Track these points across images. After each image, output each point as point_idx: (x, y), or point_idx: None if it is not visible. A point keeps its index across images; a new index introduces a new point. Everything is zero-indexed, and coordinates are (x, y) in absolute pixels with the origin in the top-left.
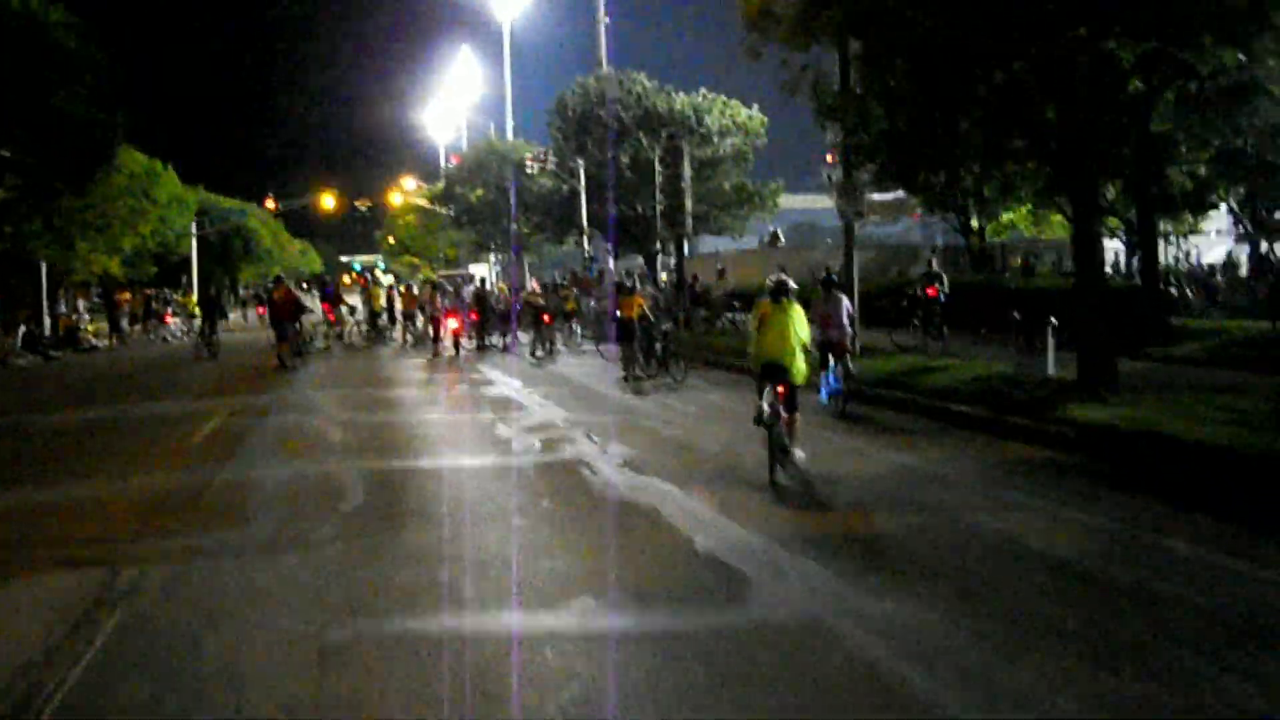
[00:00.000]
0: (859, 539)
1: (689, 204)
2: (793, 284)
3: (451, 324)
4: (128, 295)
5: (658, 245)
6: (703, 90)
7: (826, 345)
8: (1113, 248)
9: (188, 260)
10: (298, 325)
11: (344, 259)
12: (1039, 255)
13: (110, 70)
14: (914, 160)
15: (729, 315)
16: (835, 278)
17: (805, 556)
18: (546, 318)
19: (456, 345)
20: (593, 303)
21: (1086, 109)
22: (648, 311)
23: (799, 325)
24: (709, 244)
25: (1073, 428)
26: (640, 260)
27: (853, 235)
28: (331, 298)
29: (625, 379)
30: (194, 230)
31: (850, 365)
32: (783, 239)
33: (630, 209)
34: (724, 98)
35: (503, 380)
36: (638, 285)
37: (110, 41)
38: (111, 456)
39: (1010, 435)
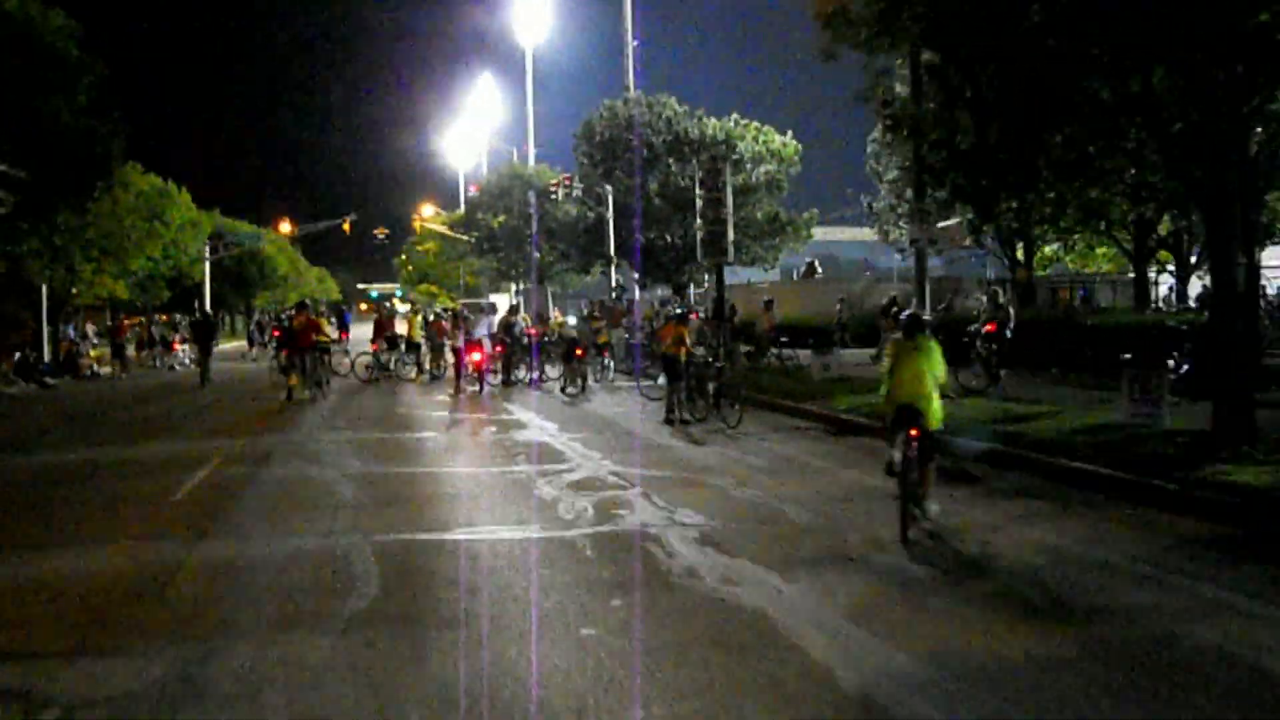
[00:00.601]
0: (1053, 664)
1: (730, 228)
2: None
3: (475, 357)
4: (131, 320)
5: (687, 275)
6: (734, 115)
7: None
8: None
9: (201, 285)
10: (320, 357)
11: (361, 286)
12: (1089, 289)
13: (112, 81)
14: (999, 180)
15: (774, 352)
16: (906, 312)
17: (998, 698)
18: (579, 351)
19: (481, 380)
20: (625, 335)
21: (1232, 121)
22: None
23: (936, 365)
24: (736, 275)
25: (1231, 493)
26: (666, 291)
27: (925, 265)
28: (348, 325)
29: (671, 422)
30: (207, 254)
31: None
32: (820, 270)
33: (660, 238)
34: (757, 124)
35: (536, 422)
36: (688, 315)
37: (127, 62)
38: (73, 518)
39: (1150, 501)
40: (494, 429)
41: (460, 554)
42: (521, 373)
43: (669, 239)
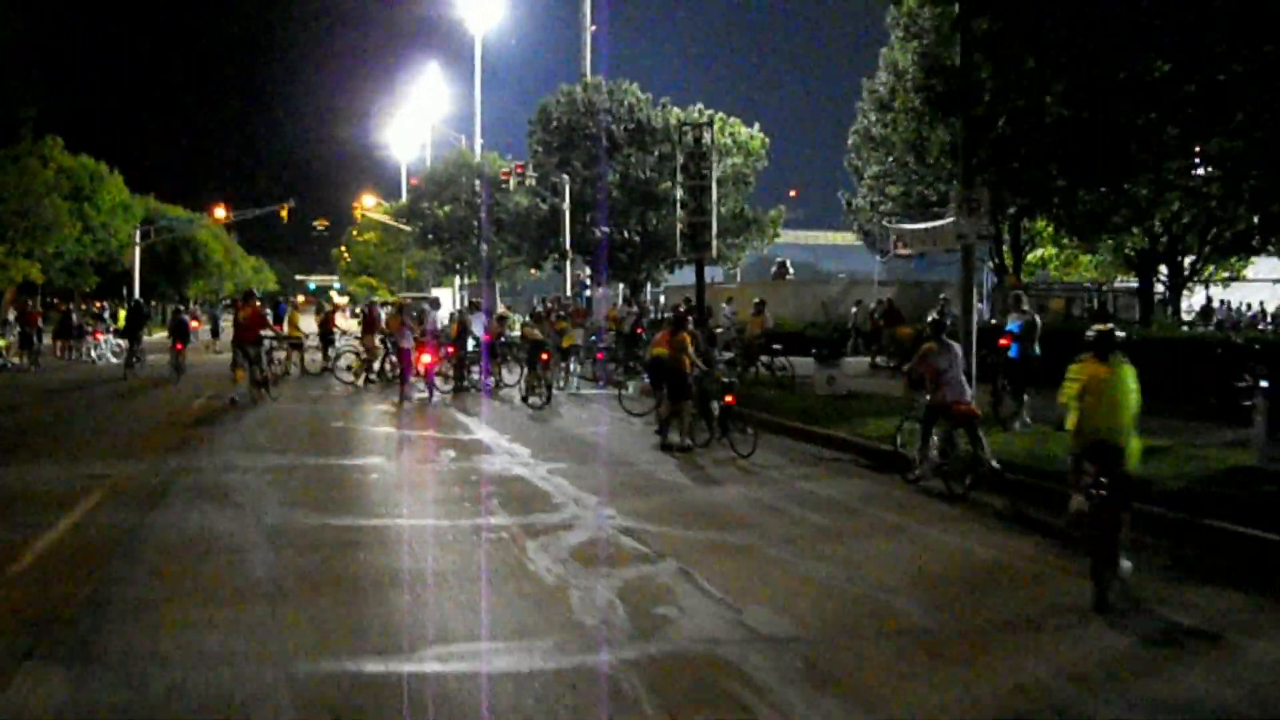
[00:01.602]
0: None
1: (715, 220)
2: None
3: (425, 359)
4: (60, 306)
5: (645, 273)
6: (698, 106)
7: (939, 409)
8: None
9: (131, 272)
10: (266, 353)
11: (300, 278)
12: (1100, 299)
13: (29, 40)
14: (1077, 164)
15: (763, 360)
16: (948, 321)
17: None
18: (545, 356)
19: (430, 386)
20: (592, 337)
21: None
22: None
23: (1135, 392)
24: (685, 276)
25: None
26: (613, 290)
27: (973, 263)
28: (284, 318)
29: (668, 447)
30: (137, 239)
31: (983, 437)
32: (791, 270)
33: (618, 232)
34: (722, 115)
35: (503, 445)
36: (688, 318)
37: (65, 43)
38: None
39: None
40: (453, 453)
41: (439, 709)
42: (475, 377)
43: (626, 234)
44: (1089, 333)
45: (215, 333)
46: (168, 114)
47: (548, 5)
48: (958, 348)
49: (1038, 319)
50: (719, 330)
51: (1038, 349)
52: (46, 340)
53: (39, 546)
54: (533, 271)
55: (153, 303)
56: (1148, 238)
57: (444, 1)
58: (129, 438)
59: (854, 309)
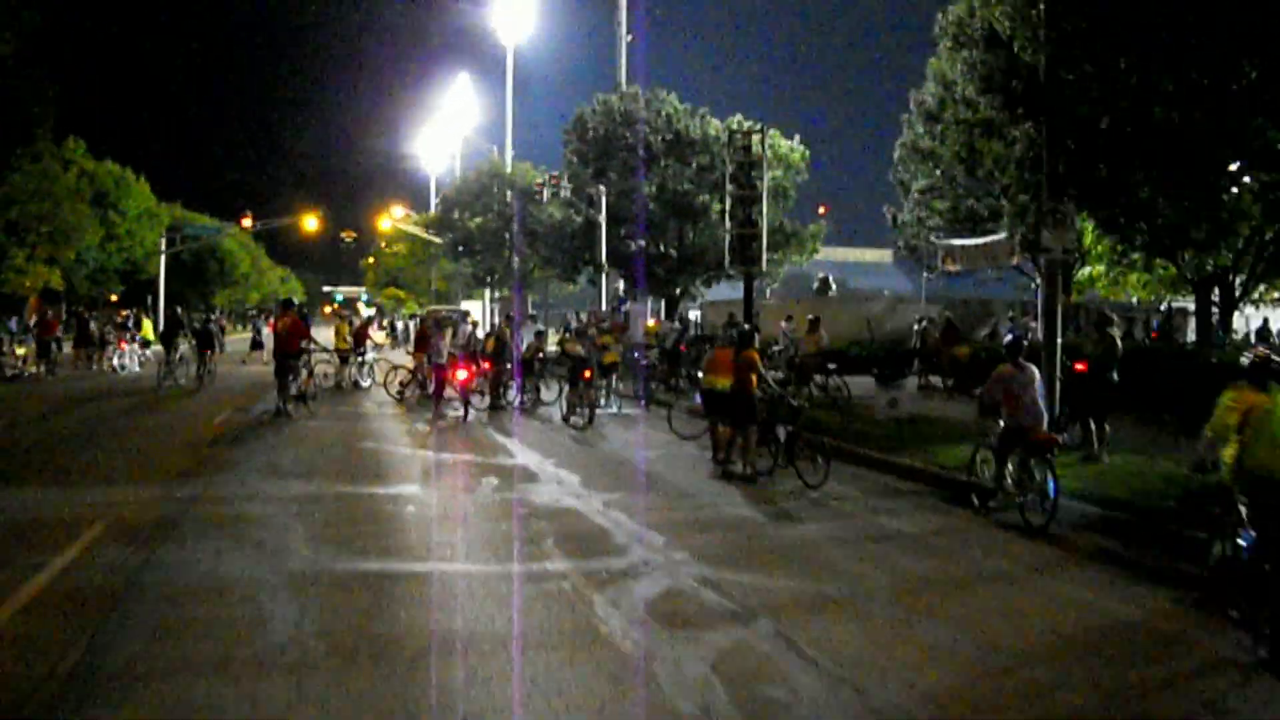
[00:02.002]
0: None
1: (765, 230)
2: None
3: (460, 375)
4: (60, 313)
5: (681, 287)
6: (738, 117)
7: (1015, 436)
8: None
9: (156, 280)
10: (304, 365)
11: (327, 289)
12: (1164, 319)
13: (47, 37)
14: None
15: (816, 380)
16: (1026, 340)
17: None
18: (588, 373)
19: (466, 404)
20: (634, 353)
21: None
22: (766, 376)
23: None
24: (720, 291)
25: None
26: (651, 303)
27: (1058, 282)
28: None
29: (729, 475)
30: (163, 247)
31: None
32: (834, 286)
33: (654, 245)
34: (762, 126)
35: (548, 470)
36: (754, 335)
37: (97, 53)
38: None
39: None
40: (495, 481)
41: None
42: (512, 395)
43: (662, 247)
44: (1243, 358)
45: (257, 343)
46: (196, 122)
47: (581, 16)
48: (1034, 370)
49: (1119, 342)
50: (776, 349)
51: (1116, 374)
52: (67, 349)
53: (22, 595)
54: (568, 285)
55: (179, 310)
56: (1228, 254)
57: (476, 12)
58: (141, 458)
59: (915, 326)
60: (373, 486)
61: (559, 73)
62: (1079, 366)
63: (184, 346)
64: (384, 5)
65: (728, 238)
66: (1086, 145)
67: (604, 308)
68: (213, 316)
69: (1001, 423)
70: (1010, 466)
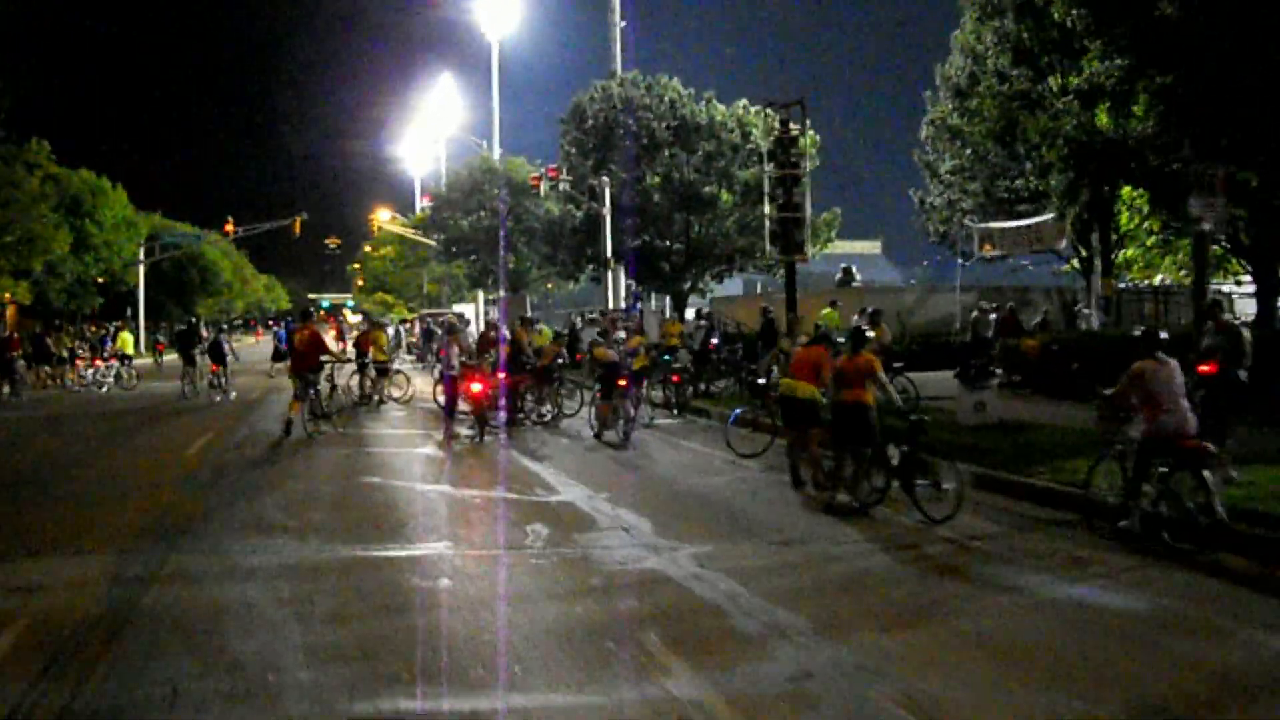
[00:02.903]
0: None
1: (809, 213)
2: None
3: (475, 387)
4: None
5: (689, 283)
6: (743, 101)
7: (1159, 444)
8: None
9: (135, 291)
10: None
11: (313, 296)
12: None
13: (45, 68)
14: None
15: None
16: (1163, 335)
17: None
18: (622, 381)
19: (482, 423)
20: (665, 356)
21: None
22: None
23: None
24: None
25: None
26: (653, 298)
27: (1206, 259)
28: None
29: (830, 507)
30: (141, 257)
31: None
32: (858, 276)
33: (659, 239)
34: (770, 110)
35: (604, 511)
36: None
37: (71, 58)
38: None
39: None
40: (544, 530)
41: None
42: (543, 407)
43: (668, 241)
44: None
45: (280, 354)
46: (175, 129)
47: (566, 9)
48: (1175, 364)
49: (1245, 332)
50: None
51: (1244, 372)
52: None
53: None
54: (568, 285)
55: (194, 320)
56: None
57: (459, 7)
58: (91, 509)
59: (975, 314)
60: (388, 547)
61: (546, 68)
62: (1207, 367)
63: (200, 359)
64: (365, 6)
65: (767, 223)
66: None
67: (613, 306)
68: (223, 328)
69: (1133, 431)
70: (1153, 482)
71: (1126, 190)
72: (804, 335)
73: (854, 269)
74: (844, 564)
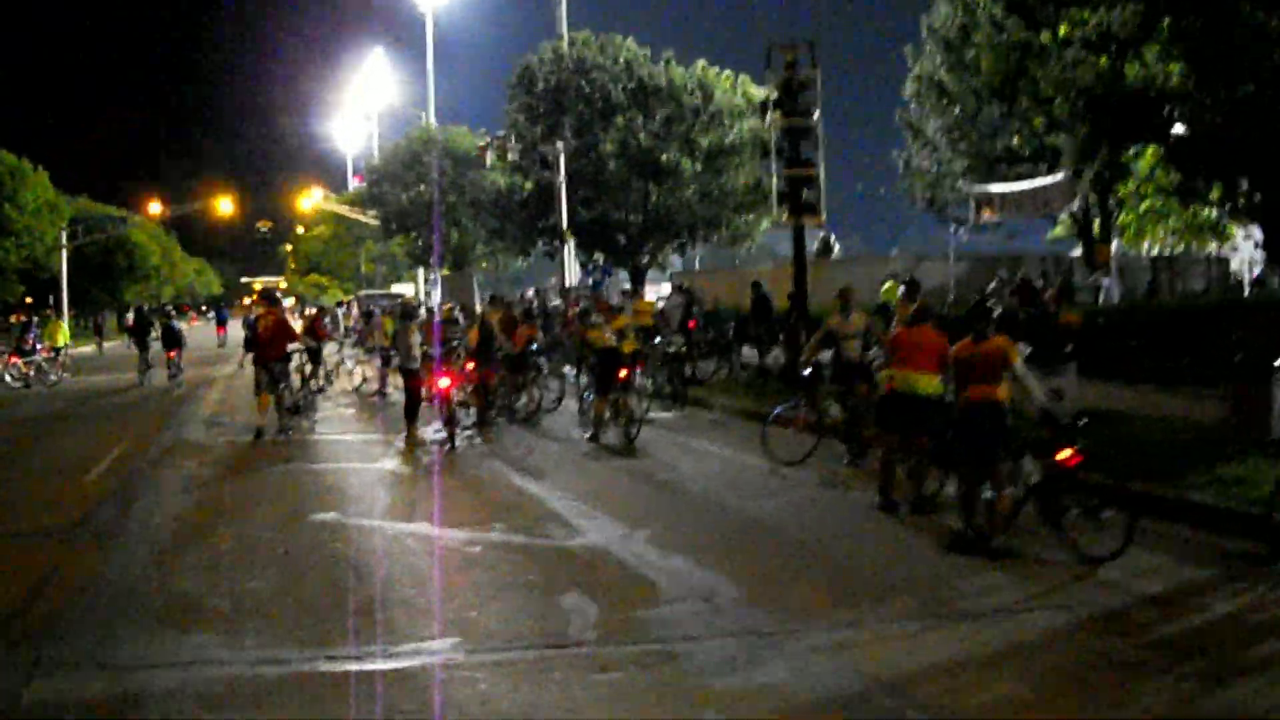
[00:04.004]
0: None
1: (822, 169)
2: None
3: (441, 382)
4: None
5: (647, 256)
6: (701, 63)
7: None
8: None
9: (59, 278)
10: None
11: (245, 280)
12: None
13: None
14: None
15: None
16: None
17: None
18: (624, 372)
19: (452, 423)
20: (657, 338)
21: None
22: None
23: None
24: (685, 261)
25: None
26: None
27: None
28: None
29: (960, 544)
30: (64, 241)
31: None
32: (836, 247)
33: (615, 209)
34: (729, 73)
35: (652, 562)
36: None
37: None
38: None
39: None
40: (588, 606)
41: None
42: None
43: (624, 213)
44: None
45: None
46: (97, 109)
47: None
48: None
49: None
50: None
51: None
52: None
53: None
54: (516, 261)
55: (145, 308)
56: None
57: None
58: None
59: (994, 283)
60: (362, 651)
61: (486, 40)
62: None
63: (155, 346)
64: None
65: (774, 181)
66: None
67: (574, 282)
68: (170, 312)
69: None
70: None
71: (1150, 152)
72: (859, 312)
73: (832, 238)
74: (1049, 654)
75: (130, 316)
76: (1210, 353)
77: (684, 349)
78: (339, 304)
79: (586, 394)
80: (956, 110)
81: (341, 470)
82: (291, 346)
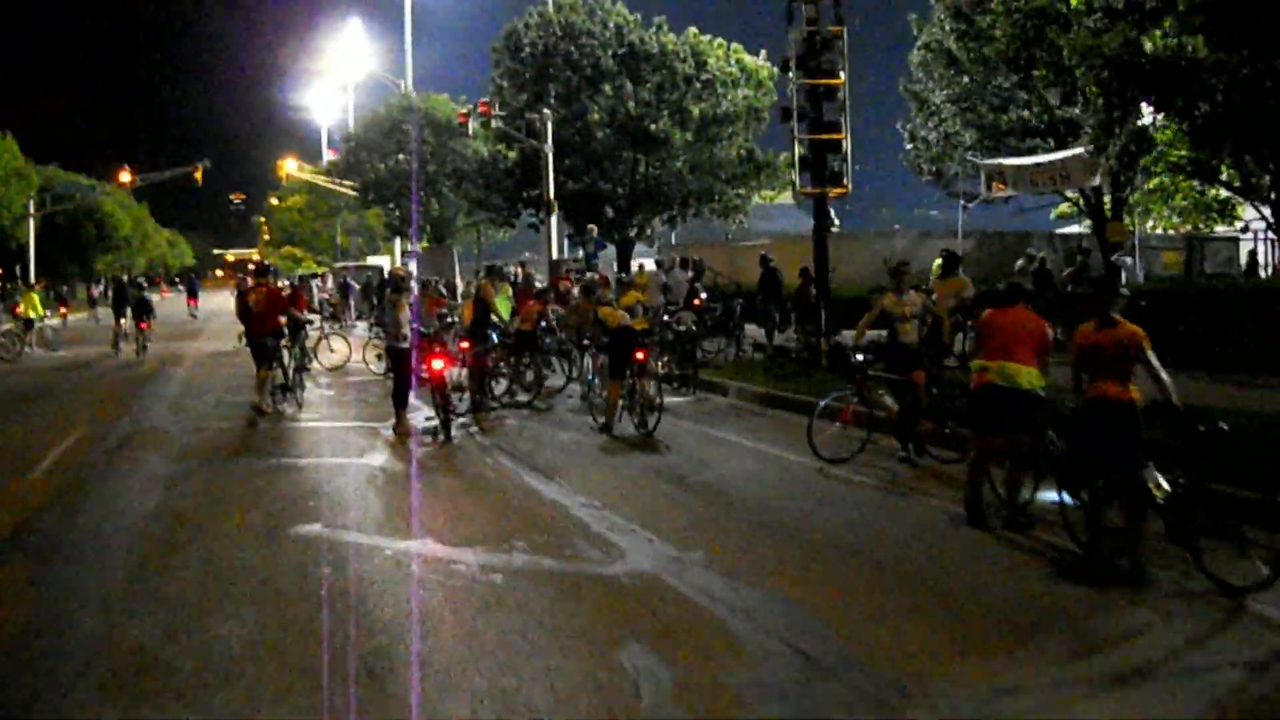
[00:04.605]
0: None
1: (847, 142)
2: None
3: (435, 365)
4: None
5: (635, 229)
6: (692, 30)
7: None
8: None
9: (26, 248)
10: (295, 347)
11: (217, 252)
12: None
13: None
14: None
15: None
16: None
17: None
18: (642, 354)
19: (446, 414)
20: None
21: None
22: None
23: None
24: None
25: None
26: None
27: None
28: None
29: (1092, 569)
30: (32, 210)
31: None
32: (837, 221)
33: (603, 180)
34: (721, 40)
35: (719, 596)
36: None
37: None
38: None
39: None
40: (658, 667)
41: None
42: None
43: (611, 184)
44: None
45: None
46: (69, 76)
47: None
48: None
49: None
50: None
51: None
52: None
53: None
54: (499, 233)
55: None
56: None
57: None
58: None
59: (1021, 262)
60: None
61: (466, 12)
62: None
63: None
64: None
65: (795, 146)
66: None
67: (562, 255)
68: (142, 283)
69: None
70: None
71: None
72: (915, 291)
73: (832, 212)
74: None
75: (102, 287)
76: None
77: (695, 327)
78: (313, 276)
79: (591, 378)
80: (965, 80)
81: (325, 468)
82: (284, 319)
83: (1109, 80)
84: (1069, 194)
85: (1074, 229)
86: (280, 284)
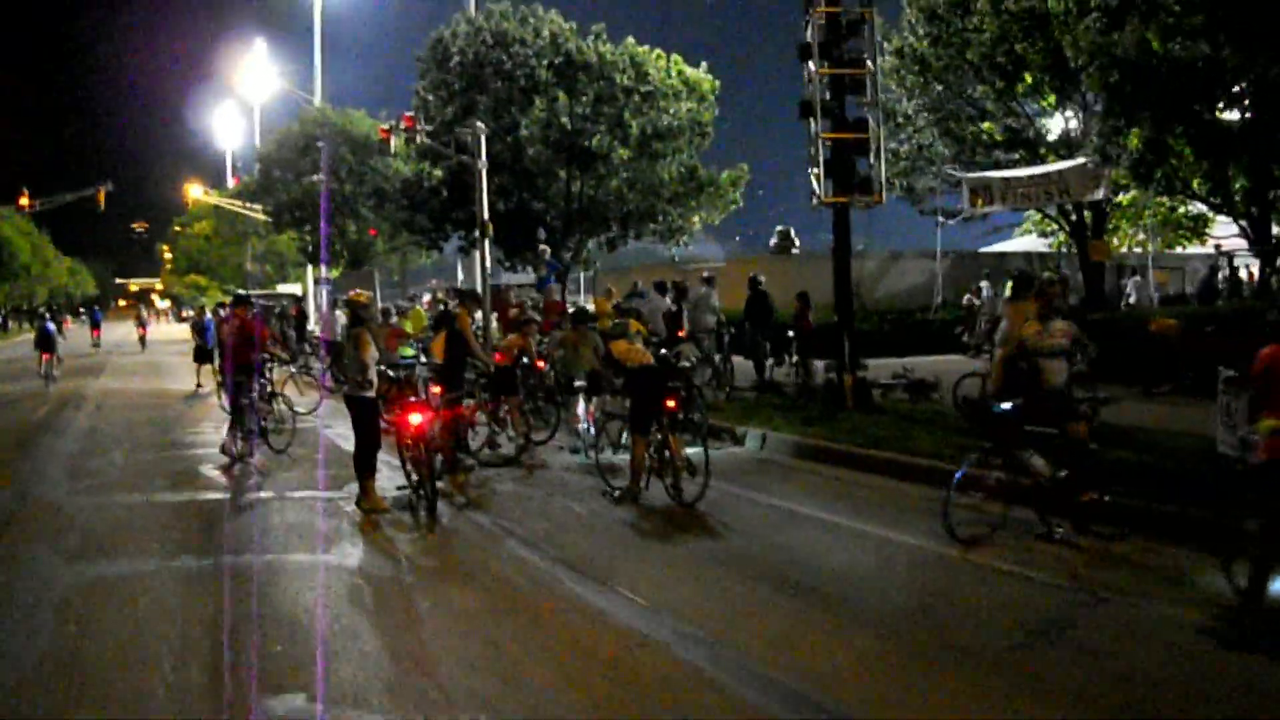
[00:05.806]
0: None
1: (879, 141)
2: None
3: (413, 419)
4: None
5: (573, 252)
6: (630, 40)
7: None
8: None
9: None
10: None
11: (120, 281)
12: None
13: None
14: None
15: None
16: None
17: None
18: (673, 402)
19: (431, 481)
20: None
21: None
22: None
23: None
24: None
25: None
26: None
27: None
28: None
29: None
30: None
31: None
32: (797, 243)
33: (536, 200)
34: (660, 51)
35: None
36: None
37: None
38: None
39: None
40: None
41: None
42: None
43: (545, 204)
44: None
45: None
46: None
47: None
48: None
49: None
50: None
51: None
52: None
53: None
54: (421, 257)
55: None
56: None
57: None
58: None
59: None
60: None
61: (384, 19)
62: None
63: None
64: None
65: (821, 147)
66: None
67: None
68: (45, 315)
69: None
70: None
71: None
72: (1063, 320)
73: (792, 232)
74: None
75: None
76: None
77: (695, 361)
78: (219, 305)
79: (586, 426)
80: (938, 89)
81: (282, 571)
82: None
83: (1120, 83)
84: (1049, 211)
85: (1021, 248)
86: (185, 314)
